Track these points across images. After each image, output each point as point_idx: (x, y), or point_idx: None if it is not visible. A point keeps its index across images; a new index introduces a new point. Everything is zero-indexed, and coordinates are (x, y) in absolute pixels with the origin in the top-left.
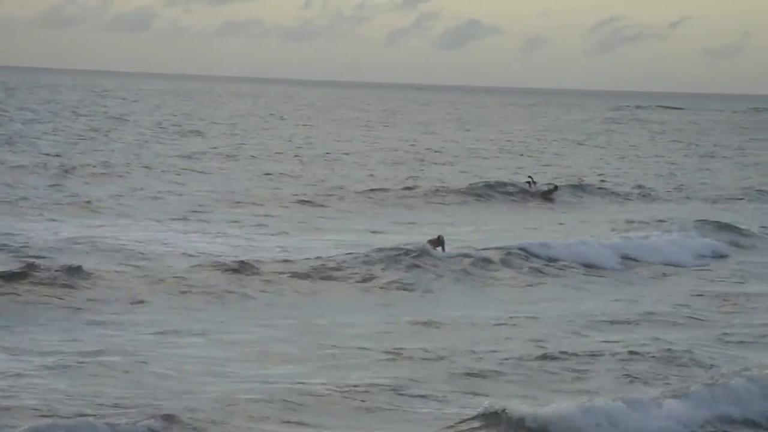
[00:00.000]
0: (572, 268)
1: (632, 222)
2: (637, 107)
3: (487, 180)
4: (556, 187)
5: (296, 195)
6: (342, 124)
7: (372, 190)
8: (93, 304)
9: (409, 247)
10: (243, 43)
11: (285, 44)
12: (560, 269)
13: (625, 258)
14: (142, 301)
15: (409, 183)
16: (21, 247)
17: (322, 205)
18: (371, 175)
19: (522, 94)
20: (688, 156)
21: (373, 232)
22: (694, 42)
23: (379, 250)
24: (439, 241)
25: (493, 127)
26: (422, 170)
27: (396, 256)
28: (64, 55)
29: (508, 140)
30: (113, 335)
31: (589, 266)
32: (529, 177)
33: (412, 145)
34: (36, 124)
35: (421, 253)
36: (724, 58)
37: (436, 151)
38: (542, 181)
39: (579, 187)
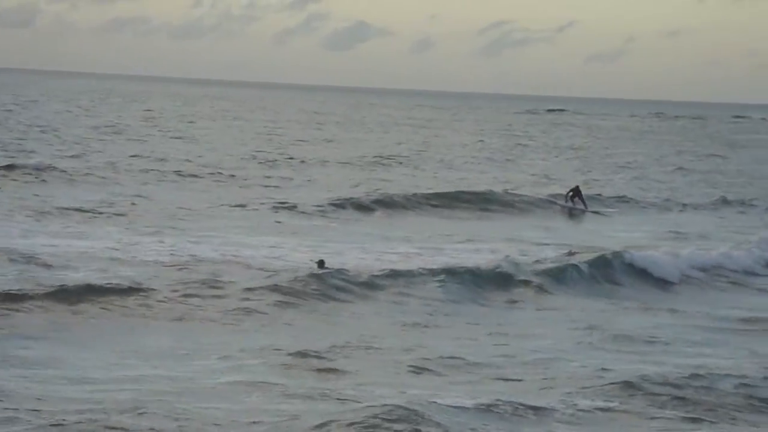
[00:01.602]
0: None
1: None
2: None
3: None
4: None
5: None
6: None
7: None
8: None
9: None
10: (129, 41)
11: (172, 42)
12: None
13: None
14: None
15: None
16: None
17: None
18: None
19: (411, 96)
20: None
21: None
22: (580, 46)
23: None
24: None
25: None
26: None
27: None
28: None
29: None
30: None
31: None
32: (570, 192)
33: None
34: None
35: None
36: (608, 62)
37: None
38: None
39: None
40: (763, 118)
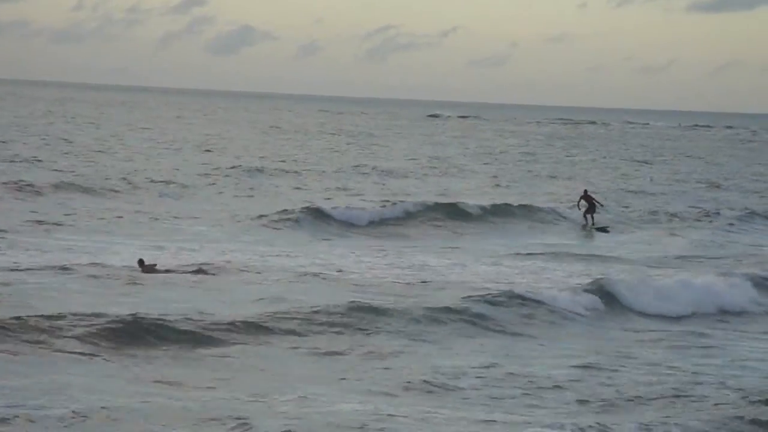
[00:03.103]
0: None
1: None
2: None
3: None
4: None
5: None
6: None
7: None
8: None
9: None
10: (8, 45)
11: (53, 46)
12: None
13: None
14: None
15: None
16: None
17: None
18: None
19: (296, 101)
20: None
21: None
22: (464, 51)
23: None
24: (142, 264)
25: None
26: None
27: None
28: None
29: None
30: None
31: None
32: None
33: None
34: None
35: None
36: (492, 67)
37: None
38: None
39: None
40: (647, 123)
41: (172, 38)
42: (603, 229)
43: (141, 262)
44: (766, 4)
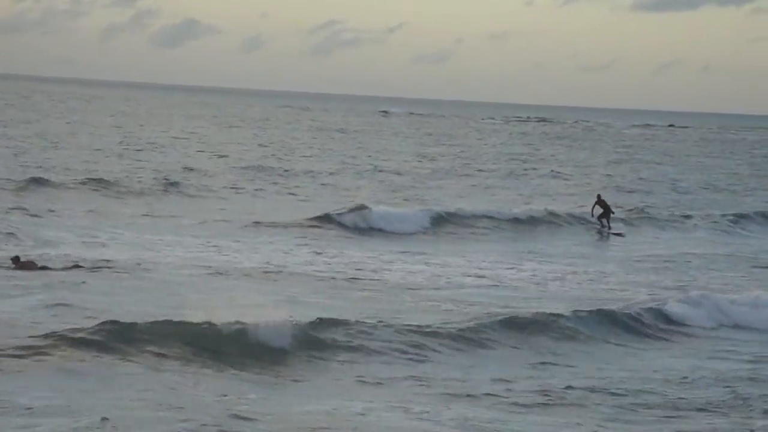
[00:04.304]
0: None
1: None
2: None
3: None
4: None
5: None
6: None
7: None
8: None
9: None
10: None
11: None
12: None
13: None
14: None
15: None
16: None
17: None
18: None
19: (244, 95)
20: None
21: None
22: (409, 47)
23: None
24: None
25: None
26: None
27: None
28: None
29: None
30: None
31: None
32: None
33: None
34: None
35: None
36: (437, 63)
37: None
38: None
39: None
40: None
41: (116, 31)
42: (619, 234)
43: (16, 259)
44: (708, 4)
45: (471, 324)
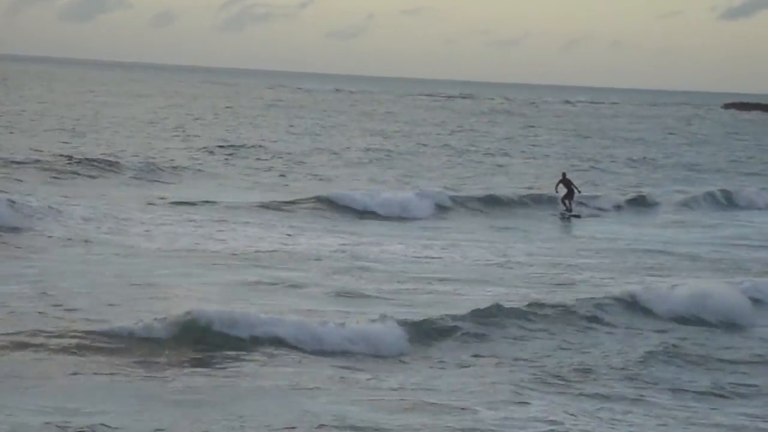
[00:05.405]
0: None
1: None
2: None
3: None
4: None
5: None
6: None
7: None
8: None
9: None
10: None
11: None
12: None
13: None
14: None
15: None
16: None
17: None
18: None
19: (154, 70)
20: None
21: None
22: (322, 23)
23: None
24: None
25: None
26: None
27: None
28: None
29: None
30: None
31: None
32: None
33: None
34: None
35: None
36: (350, 39)
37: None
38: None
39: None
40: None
41: (23, 3)
42: (575, 216)
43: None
44: None
45: None
